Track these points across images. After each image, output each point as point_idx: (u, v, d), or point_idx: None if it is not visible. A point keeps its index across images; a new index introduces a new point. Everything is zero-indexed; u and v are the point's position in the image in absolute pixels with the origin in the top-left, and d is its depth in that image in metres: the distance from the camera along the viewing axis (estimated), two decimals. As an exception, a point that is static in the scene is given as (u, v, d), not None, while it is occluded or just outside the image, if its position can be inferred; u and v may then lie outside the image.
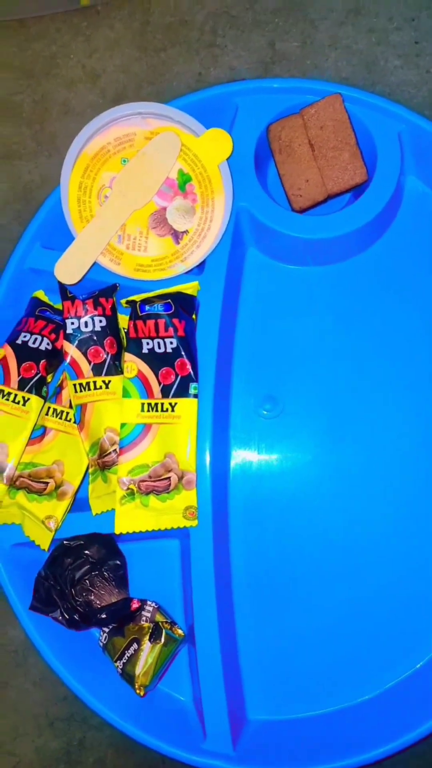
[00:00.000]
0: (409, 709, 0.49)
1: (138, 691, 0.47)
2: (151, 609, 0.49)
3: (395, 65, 0.61)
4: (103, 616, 0.49)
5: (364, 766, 0.48)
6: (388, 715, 0.50)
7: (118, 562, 0.51)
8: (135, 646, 0.48)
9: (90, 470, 0.51)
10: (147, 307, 0.51)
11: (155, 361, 0.51)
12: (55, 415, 0.52)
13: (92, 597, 0.50)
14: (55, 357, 0.52)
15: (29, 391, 0.51)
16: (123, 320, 0.54)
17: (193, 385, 0.51)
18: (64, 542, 0.51)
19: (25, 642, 0.54)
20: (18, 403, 0.50)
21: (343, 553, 0.53)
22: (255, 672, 0.53)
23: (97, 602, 0.50)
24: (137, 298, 0.52)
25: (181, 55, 0.62)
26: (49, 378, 0.53)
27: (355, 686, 0.52)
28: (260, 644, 0.53)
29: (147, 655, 0.48)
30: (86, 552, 0.51)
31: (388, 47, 0.61)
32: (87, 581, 0.50)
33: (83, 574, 0.50)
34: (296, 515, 0.54)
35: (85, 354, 0.51)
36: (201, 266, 0.53)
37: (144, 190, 0.51)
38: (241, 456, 0.55)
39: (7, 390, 0.51)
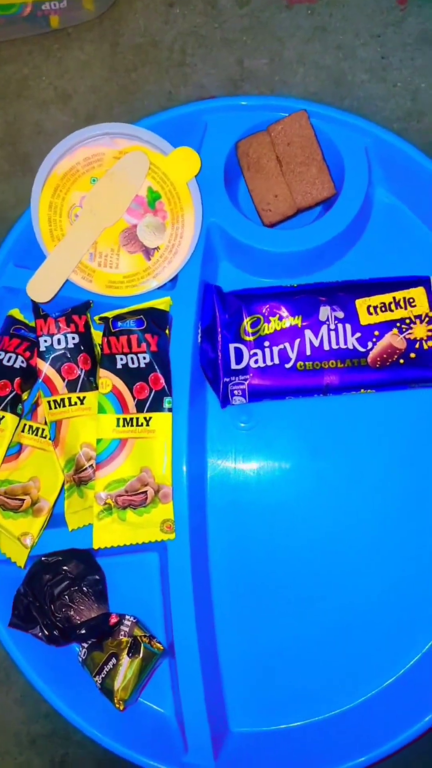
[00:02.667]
0: (391, 717, 0.50)
1: (117, 706, 0.47)
2: (129, 623, 0.50)
3: (363, 80, 0.62)
4: (83, 631, 0.50)
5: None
6: (370, 723, 0.50)
7: (96, 577, 0.52)
8: (114, 660, 0.48)
9: (66, 486, 0.51)
10: (119, 323, 0.52)
11: (129, 376, 0.51)
12: (30, 432, 0.53)
13: (72, 613, 0.50)
14: (30, 375, 0.53)
15: (4, 409, 0.51)
16: (98, 336, 0.54)
17: (167, 399, 0.51)
18: (42, 558, 0.51)
19: (5, 659, 0.54)
20: (-6, 421, 0.51)
21: (323, 563, 0.54)
22: (237, 684, 0.53)
23: (77, 618, 0.50)
24: (110, 314, 0.52)
25: (151, 74, 0.63)
26: (24, 396, 0.54)
27: (337, 696, 0.52)
28: (242, 656, 0.53)
29: (126, 669, 0.48)
30: (64, 568, 0.51)
31: (355, 62, 0.62)
32: (66, 597, 0.51)
33: (62, 590, 0.51)
34: (275, 527, 0.54)
35: (58, 371, 0.51)
36: (174, 282, 0.53)
37: (114, 208, 0.51)
38: (218, 468, 0.55)
39: (-18, 408, 0.51)
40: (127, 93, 0.63)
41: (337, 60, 0.62)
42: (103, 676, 0.48)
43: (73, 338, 0.52)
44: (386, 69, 0.62)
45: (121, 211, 0.52)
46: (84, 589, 0.51)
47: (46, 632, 0.50)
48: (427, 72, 0.61)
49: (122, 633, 0.49)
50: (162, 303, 0.53)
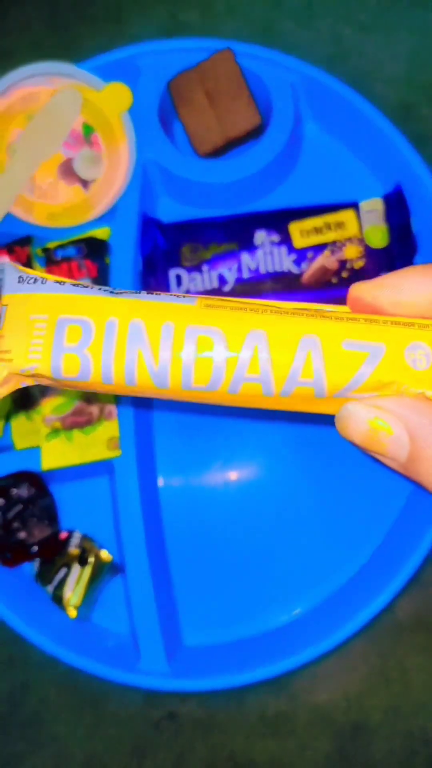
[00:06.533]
0: (335, 617, 0.51)
1: (69, 613, 0.49)
2: (78, 537, 0.51)
3: (290, 28, 0.65)
4: (35, 549, 0.51)
5: (296, 668, 0.50)
6: (316, 626, 0.52)
7: (47, 501, 0.53)
8: (65, 570, 0.49)
9: (12, 408, 0.53)
10: (60, 252, 0.54)
11: (72, 303, 0.53)
12: (-22, 362, 0.54)
13: (24, 536, 0.52)
14: (-23, 308, 0.54)
15: None
16: (40, 272, 0.56)
17: (108, 321, 0.53)
18: (-7, 482, 0.52)
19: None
20: None
21: (271, 476, 0.56)
22: (189, 599, 0.54)
23: (30, 540, 0.51)
24: (51, 245, 0.54)
25: (88, 31, 0.66)
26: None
27: (286, 606, 0.54)
28: (193, 572, 0.55)
29: (76, 577, 0.49)
30: (15, 491, 0.52)
31: (282, 12, 0.65)
32: (18, 521, 0.52)
33: (14, 515, 0.52)
34: (223, 443, 0.56)
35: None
36: (113, 213, 0.55)
37: (50, 143, 0.54)
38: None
39: None
40: (67, 49, 0.66)
41: (264, 10, 0.65)
42: (55, 585, 0.49)
43: (16, 268, 0.53)
44: (312, 17, 0.65)
45: (57, 145, 0.54)
46: (36, 512, 0.52)
47: (0, 556, 0.51)
48: (350, 18, 0.65)
49: (72, 546, 0.50)
50: (101, 233, 0.55)
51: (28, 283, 0.27)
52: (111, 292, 0.26)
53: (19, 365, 0.26)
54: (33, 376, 0.27)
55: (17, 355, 0.26)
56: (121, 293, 0.26)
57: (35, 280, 0.27)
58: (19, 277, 0.28)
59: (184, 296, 0.26)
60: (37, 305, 0.26)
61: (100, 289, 0.26)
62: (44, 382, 0.27)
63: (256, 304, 0.26)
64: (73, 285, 0.27)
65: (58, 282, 0.27)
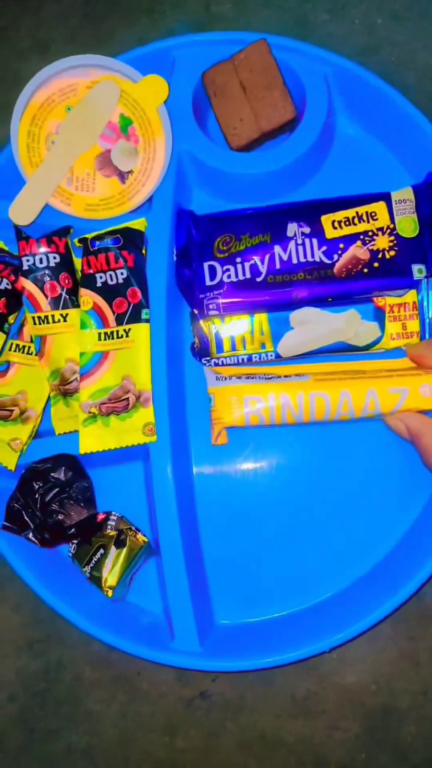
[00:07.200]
0: (364, 602, 0.52)
1: (105, 592, 0.50)
2: (115, 518, 0.52)
3: (324, 19, 0.65)
4: (72, 531, 0.52)
5: (324, 651, 0.51)
6: (346, 609, 0.53)
7: (85, 484, 0.54)
8: (102, 551, 0.51)
9: (51, 395, 0.54)
10: (97, 243, 0.55)
11: (108, 292, 0.54)
12: (18, 350, 0.55)
13: (61, 518, 0.53)
14: (15, 297, 0.56)
15: (-9, 326, 0.54)
16: (78, 262, 0.57)
17: (144, 311, 0.54)
18: (32, 465, 0.54)
19: (1, 571, 0.56)
20: (-19, 339, 0.54)
21: (303, 459, 0.57)
22: (221, 581, 0.56)
23: (67, 522, 0.53)
24: (89, 236, 0.55)
25: (123, 22, 0.67)
26: (11, 319, 0.57)
27: (315, 588, 0.55)
28: (225, 554, 0.56)
29: (113, 559, 0.51)
30: (53, 475, 0.53)
31: (316, 3, 0.65)
32: (56, 504, 0.53)
33: (52, 498, 0.53)
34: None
35: (41, 288, 0.54)
36: (149, 204, 0.56)
37: (88, 135, 0.55)
38: (198, 373, 0.58)
39: (-30, 328, 0.54)
40: (101, 40, 0.67)
41: (298, 1, 0.66)
42: (92, 566, 0.51)
43: (54, 258, 0.55)
44: (345, 7, 0.65)
45: (95, 137, 0.55)
46: (73, 495, 0.54)
47: (38, 536, 0.53)
48: (383, 8, 0.65)
49: (109, 527, 0.52)
50: (138, 224, 0.56)
51: (221, 380, 0.54)
52: (267, 379, 0.54)
53: (226, 424, 0.53)
54: (232, 425, 0.53)
55: (225, 418, 0.53)
56: (270, 377, 0.54)
57: (225, 378, 0.54)
58: (216, 377, 0.55)
59: (302, 374, 0.54)
60: (230, 391, 0.53)
61: (262, 377, 0.54)
62: (236, 426, 0.54)
63: (344, 374, 0.53)
64: (246, 377, 0.54)
65: (237, 377, 0.54)
